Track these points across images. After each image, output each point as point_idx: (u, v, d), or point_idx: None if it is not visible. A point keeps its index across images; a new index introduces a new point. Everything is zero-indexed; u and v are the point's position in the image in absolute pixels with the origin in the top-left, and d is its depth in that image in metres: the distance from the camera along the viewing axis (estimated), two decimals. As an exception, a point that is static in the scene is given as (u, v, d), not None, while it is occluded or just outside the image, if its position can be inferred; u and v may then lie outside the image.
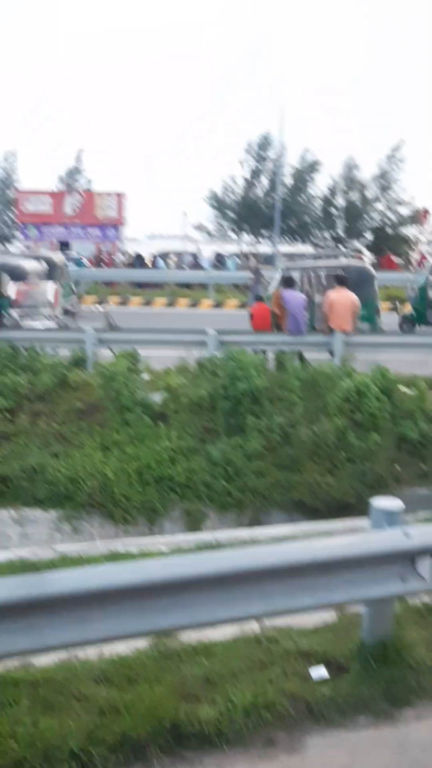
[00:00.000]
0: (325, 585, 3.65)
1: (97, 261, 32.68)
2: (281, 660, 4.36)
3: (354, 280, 13.10)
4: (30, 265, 15.62)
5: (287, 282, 12.49)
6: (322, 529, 7.38)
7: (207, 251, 39.87)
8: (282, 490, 9.09)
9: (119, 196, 37.71)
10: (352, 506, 8.91)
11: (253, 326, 12.91)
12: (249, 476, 9.16)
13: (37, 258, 17.22)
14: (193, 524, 8.98)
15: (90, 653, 4.43)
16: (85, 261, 31.83)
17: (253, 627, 4.76)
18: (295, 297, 12.05)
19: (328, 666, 4.29)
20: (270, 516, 9.08)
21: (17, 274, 14.55)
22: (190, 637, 4.59)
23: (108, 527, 8.81)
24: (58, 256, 19.44)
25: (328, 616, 4.96)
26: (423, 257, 34.82)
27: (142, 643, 4.52)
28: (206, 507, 8.99)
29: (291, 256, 31.10)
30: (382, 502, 4.14)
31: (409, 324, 16.07)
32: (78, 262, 30.72)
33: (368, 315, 13.38)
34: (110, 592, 3.35)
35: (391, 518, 4.02)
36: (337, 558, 3.61)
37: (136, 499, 8.87)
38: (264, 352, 12.11)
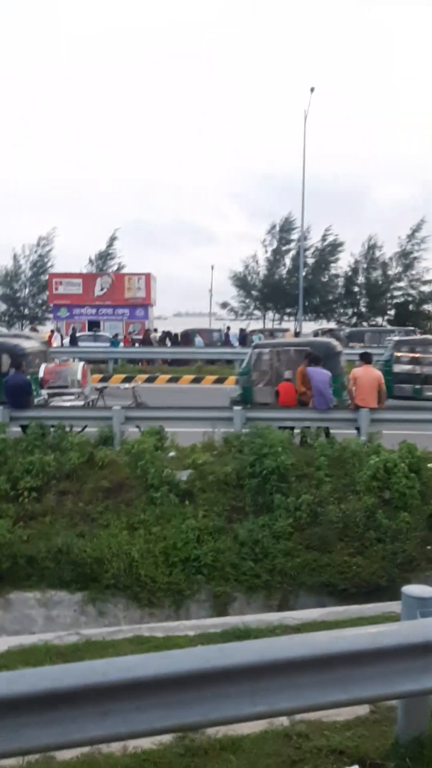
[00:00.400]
0: (357, 678, 3.50)
1: (134, 340, 33.31)
2: (313, 758, 4.15)
3: (321, 355, 13.62)
4: (29, 344, 15.65)
5: (312, 359, 12.58)
6: (352, 613, 7.16)
7: (233, 328, 40.45)
8: (311, 571, 8.89)
9: (147, 276, 38.73)
10: (383, 588, 8.66)
11: (278, 403, 12.93)
12: (277, 557, 9.00)
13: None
14: (220, 607, 8.79)
15: (114, 747, 4.27)
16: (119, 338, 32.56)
17: (282, 720, 4.56)
18: (320, 373, 12.09)
19: (362, 765, 4.07)
20: (299, 598, 8.86)
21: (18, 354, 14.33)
22: (216, 730, 4.41)
23: (133, 610, 8.65)
24: (38, 338, 19.64)
25: (361, 709, 4.73)
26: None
27: (167, 737, 4.35)
28: (233, 589, 8.81)
29: (272, 332, 31.45)
30: (414, 589, 4.01)
31: None
32: (114, 342, 31.38)
33: (335, 389, 13.64)
34: (134, 684, 3.25)
35: (423, 606, 3.88)
36: (369, 649, 3.48)
37: (162, 580, 8.72)
38: (292, 429, 12.08)
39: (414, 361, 16.33)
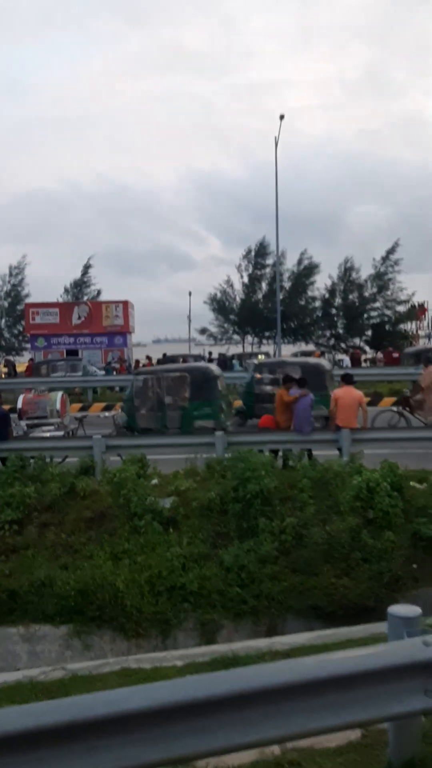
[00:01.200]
0: (347, 702, 3.46)
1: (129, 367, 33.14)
2: (305, 786, 4.09)
3: (197, 380, 14.59)
4: None
5: (290, 380, 12.66)
6: (341, 635, 7.12)
7: (214, 353, 40.56)
8: (298, 594, 8.86)
9: (125, 304, 38.72)
10: (370, 609, 8.64)
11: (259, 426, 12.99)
12: (263, 581, 8.95)
13: None
14: (208, 635, 8.69)
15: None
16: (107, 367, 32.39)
17: (273, 748, 4.49)
18: (301, 395, 12.15)
19: (355, 791, 4.01)
20: (287, 623, 8.80)
21: None
22: (207, 762, 4.33)
23: (119, 642, 8.53)
24: None
25: (353, 734, 4.68)
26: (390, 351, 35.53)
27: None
28: (221, 616, 8.73)
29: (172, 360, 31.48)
30: (400, 609, 4.00)
31: (241, 417, 17.15)
32: (107, 370, 31.14)
33: (213, 412, 14.36)
34: (121, 718, 3.19)
35: (410, 626, 3.87)
36: (356, 672, 3.45)
37: (148, 610, 8.62)
38: (276, 452, 12.10)
39: (273, 382, 17.11)
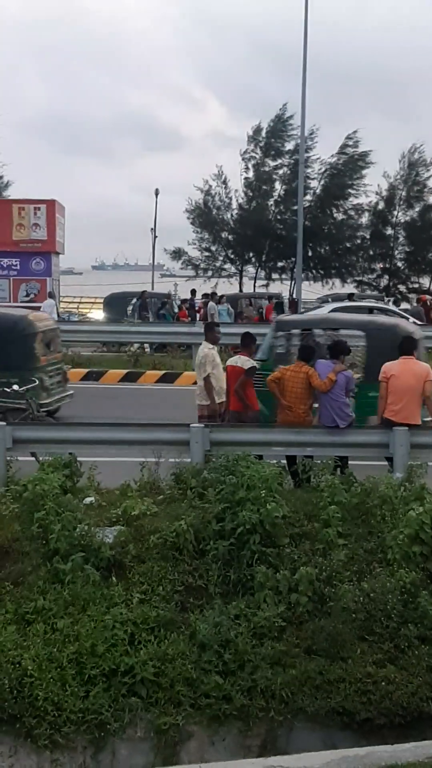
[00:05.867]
0: None
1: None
2: None
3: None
4: None
5: (309, 351, 12.68)
6: (380, 758, 7.23)
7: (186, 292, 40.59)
8: (313, 690, 8.93)
9: (50, 205, 38.29)
10: (429, 717, 8.74)
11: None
12: (260, 667, 9.02)
13: None
14: (167, 748, 8.79)
15: None
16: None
17: None
18: (336, 372, 12.15)
19: None
20: (294, 734, 8.92)
21: None
22: None
23: (25, 755, 8.60)
24: None
25: None
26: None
27: None
28: (189, 720, 8.81)
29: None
30: None
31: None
32: (165, 315, 32.10)
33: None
34: None
35: None
36: None
37: (73, 706, 8.68)
38: (291, 460, 12.22)
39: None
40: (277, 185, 48.65)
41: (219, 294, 38.05)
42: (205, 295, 37.02)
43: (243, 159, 48.09)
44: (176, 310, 35.69)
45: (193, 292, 36.96)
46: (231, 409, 13.32)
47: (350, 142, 47.58)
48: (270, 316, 32.76)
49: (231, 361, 13.51)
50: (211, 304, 32.59)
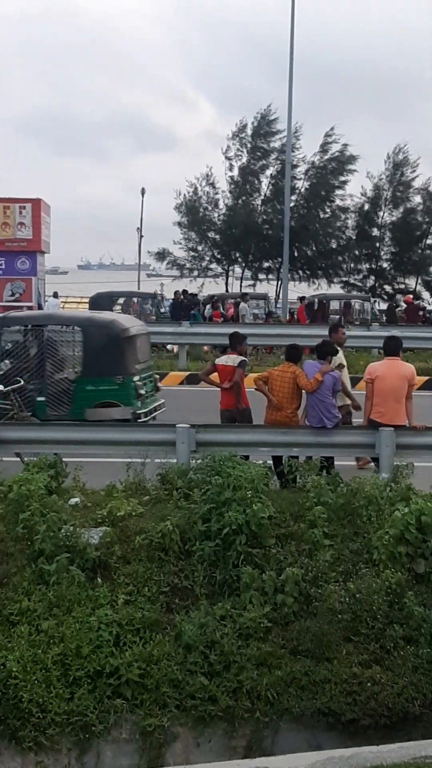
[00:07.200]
0: None
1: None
2: None
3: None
4: None
5: (296, 352, 12.77)
6: (365, 759, 7.25)
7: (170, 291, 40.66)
8: (299, 690, 8.97)
9: (35, 204, 38.23)
10: (415, 717, 8.79)
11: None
12: (245, 668, 9.05)
13: None
14: (152, 750, 8.83)
15: None
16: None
17: None
18: (323, 372, 12.21)
19: None
20: (280, 735, 8.96)
21: None
22: None
23: (9, 758, 8.61)
24: None
25: None
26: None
27: None
28: (174, 721, 8.85)
29: None
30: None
31: None
32: (195, 315, 31.24)
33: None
34: None
35: None
36: None
37: (57, 708, 8.70)
38: (278, 460, 12.27)
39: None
40: (263, 185, 48.69)
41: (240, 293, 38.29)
42: (209, 298, 36.95)
43: (227, 158, 48.06)
44: (163, 309, 35.69)
45: (185, 292, 36.73)
46: (222, 408, 13.31)
47: (330, 140, 47.63)
48: (303, 317, 32.90)
49: (220, 360, 13.51)
50: (243, 305, 32.75)
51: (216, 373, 13.49)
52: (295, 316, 34.38)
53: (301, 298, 37.31)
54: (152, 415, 15.54)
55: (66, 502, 11.00)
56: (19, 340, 16.23)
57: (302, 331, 25.44)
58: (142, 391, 15.57)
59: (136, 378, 15.41)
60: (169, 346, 28.60)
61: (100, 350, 15.35)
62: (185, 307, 33.15)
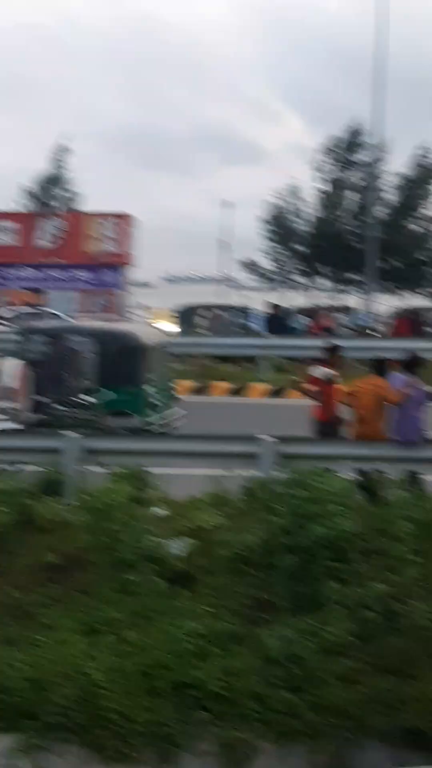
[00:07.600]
0: None
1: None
2: None
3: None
4: None
5: (382, 365, 12.79)
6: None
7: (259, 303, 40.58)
8: (384, 708, 8.84)
9: (122, 219, 38.74)
10: None
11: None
12: (329, 684, 8.94)
13: None
14: (234, 764, 8.75)
15: None
16: None
17: None
18: (411, 386, 12.20)
19: None
20: (364, 753, 8.82)
21: None
22: None
23: (93, 766, 8.63)
24: None
25: None
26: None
27: None
28: (256, 735, 8.75)
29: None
30: None
31: None
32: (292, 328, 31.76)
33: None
34: None
35: None
36: None
37: (140, 718, 8.68)
38: (365, 475, 12.28)
39: None
40: (352, 197, 48.69)
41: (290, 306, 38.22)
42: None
43: (316, 170, 48.42)
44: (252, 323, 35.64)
45: (276, 306, 36.51)
46: (314, 418, 13.45)
47: (420, 152, 47.67)
48: (404, 329, 32.54)
49: (314, 372, 13.74)
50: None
51: (312, 385, 13.71)
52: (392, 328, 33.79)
53: (402, 311, 36.79)
54: (167, 426, 16.01)
55: (149, 512, 11.07)
56: (39, 350, 16.70)
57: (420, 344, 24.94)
58: (156, 402, 15.97)
59: (149, 388, 15.83)
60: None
61: (115, 360, 15.73)
62: (279, 320, 33.17)
